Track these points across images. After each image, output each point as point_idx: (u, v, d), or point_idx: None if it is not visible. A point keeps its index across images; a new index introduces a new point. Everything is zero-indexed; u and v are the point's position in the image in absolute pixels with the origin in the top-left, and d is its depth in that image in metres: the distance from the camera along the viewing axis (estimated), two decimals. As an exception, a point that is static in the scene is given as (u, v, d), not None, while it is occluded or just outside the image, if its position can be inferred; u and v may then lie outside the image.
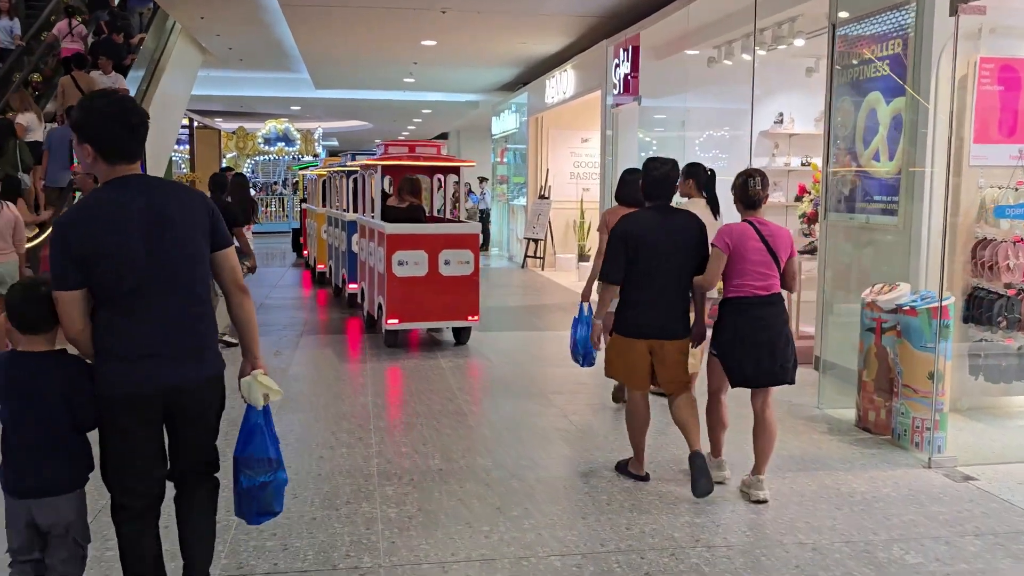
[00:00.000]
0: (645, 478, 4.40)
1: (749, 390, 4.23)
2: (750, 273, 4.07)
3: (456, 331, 8.06)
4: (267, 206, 25.44)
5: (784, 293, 4.22)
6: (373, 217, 8.21)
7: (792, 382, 4.21)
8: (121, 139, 2.54)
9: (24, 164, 8.37)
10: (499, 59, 15.02)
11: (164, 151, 13.33)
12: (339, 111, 24.59)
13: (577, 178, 15.71)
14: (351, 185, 10.02)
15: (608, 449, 4.92)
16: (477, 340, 8.22)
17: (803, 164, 10.36)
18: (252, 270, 7.62)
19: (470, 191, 23.54)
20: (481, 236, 22.69)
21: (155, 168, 12.51)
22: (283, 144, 26.17)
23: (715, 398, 4.37)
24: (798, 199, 9.97)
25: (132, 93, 11.82)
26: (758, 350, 4.06)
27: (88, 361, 2.61)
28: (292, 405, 5.80)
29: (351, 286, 9.87)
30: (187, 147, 19.78)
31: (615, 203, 5.70)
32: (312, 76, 17.23)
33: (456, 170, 9.00)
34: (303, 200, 17.60)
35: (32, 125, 9.22)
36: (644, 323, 4.22)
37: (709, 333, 4.35)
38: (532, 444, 5.07)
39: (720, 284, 4.26)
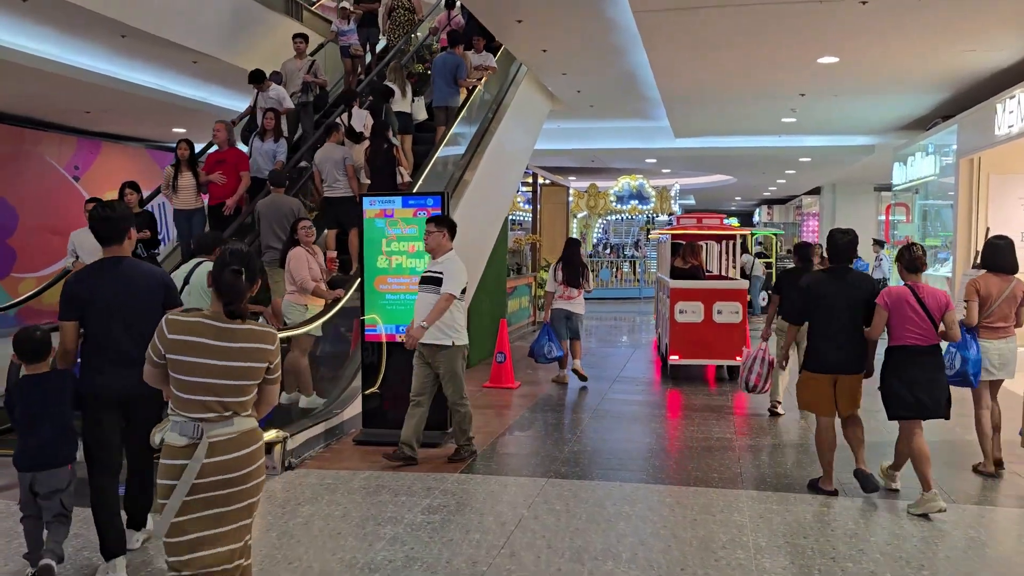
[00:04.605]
0: (834, 493, 5.22)
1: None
2: (907, 327, 4.95)
3: (729, 369, 9.48)
4: (617, 269, 23.54)
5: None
6: (665, 275, 10.19)
7: (947, 417, 5.04)
8: (100, 232, 4.04)
9: (392, 127, 9.21)
10: (921, 78, 11.23)
11: (499, 211, 11.57)
12: (700, 164, 21.93)
13: (1034, 240, 11.14)
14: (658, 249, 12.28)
15: None
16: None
17: None
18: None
19: (857, 257, 19.28)
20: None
21: (489, 228, 10.80)
22: (636, 202, 24.01)
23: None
24: None
25: (462, 149, 10.31)
26: (917, 388, 4.92)
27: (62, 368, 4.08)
28: None
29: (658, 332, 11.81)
30: (530, 206, 18.32)
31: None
32: (671, 121, 14.81)
33: (733, 237, 11.36)
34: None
35: (397, 95, 9.71)
36: (828, 361, 5.14)
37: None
38: None
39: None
